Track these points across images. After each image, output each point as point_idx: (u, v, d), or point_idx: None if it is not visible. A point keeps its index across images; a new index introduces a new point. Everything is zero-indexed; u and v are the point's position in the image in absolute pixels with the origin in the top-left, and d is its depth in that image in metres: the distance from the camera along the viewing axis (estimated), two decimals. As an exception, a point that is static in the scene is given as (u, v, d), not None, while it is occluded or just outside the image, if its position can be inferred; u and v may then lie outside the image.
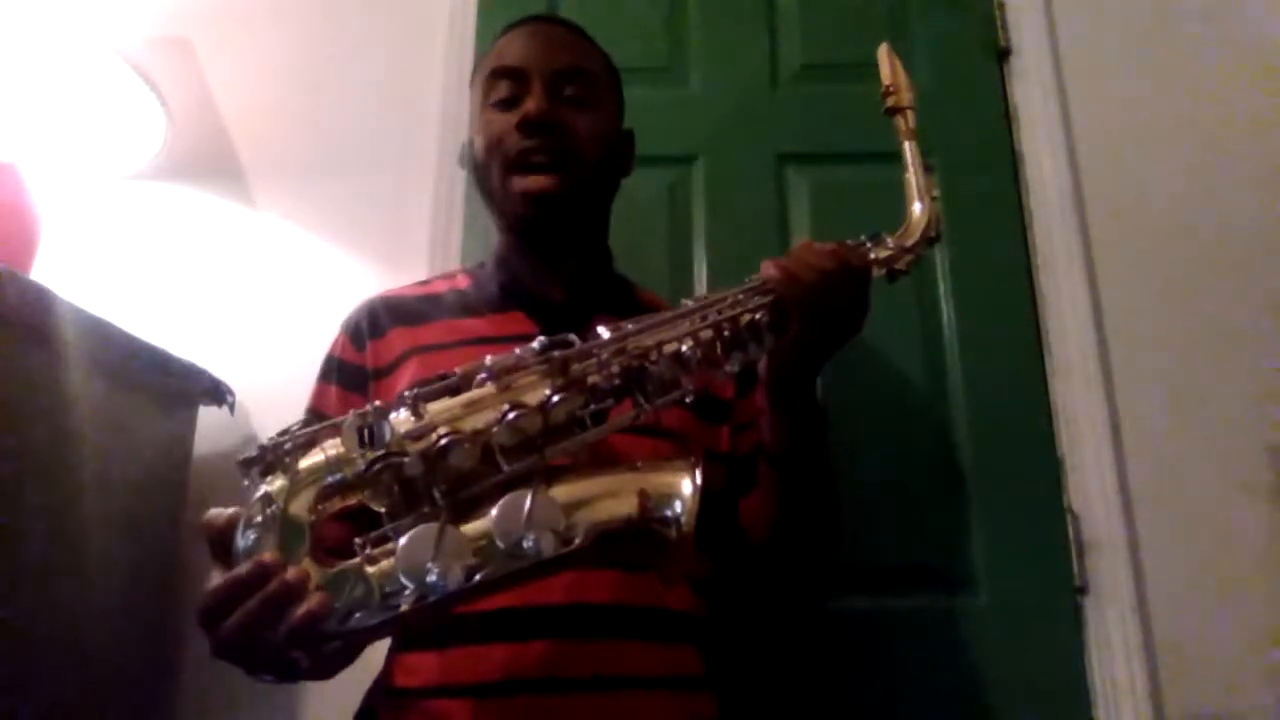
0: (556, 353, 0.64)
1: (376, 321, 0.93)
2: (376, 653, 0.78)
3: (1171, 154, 1.39)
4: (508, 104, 0.93)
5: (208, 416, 1.27)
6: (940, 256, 1.34)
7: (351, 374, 0.91)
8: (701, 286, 1.33)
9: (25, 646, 0.93)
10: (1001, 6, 1.48)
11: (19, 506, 0.93)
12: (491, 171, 0.92)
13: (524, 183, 0.89)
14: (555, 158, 0.89)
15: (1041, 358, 1.31)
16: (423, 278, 1.18)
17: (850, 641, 1.19)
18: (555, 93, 0.92)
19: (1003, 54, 1.46)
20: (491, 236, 1.01)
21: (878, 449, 1.26)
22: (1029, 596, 1.21)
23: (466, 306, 0.94)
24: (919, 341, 1.31)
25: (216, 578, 0.58)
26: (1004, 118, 1.43)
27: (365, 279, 1.37)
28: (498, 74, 0.94)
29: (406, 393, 0.61)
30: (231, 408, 1.26)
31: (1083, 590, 1.21)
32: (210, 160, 1.44)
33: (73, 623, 1.00)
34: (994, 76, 1.45)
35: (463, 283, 0.99)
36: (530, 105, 0.90)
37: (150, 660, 1.16)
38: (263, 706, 1.20)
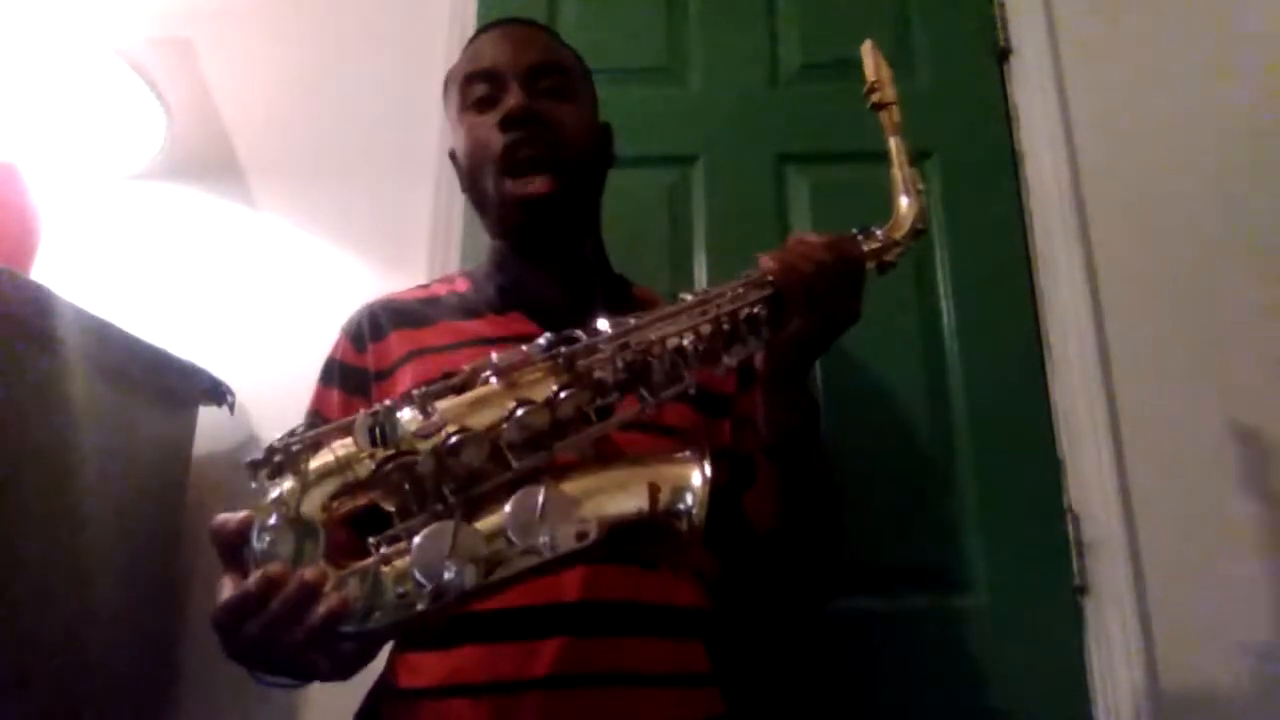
0: (563, 349, 0.64)
1: (377, 324, 0.93)
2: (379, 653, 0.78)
3: (1171, 153, 1.40)
4: (485, 105, 0.93)
5: (208, 416, 1.27)
6: (940, 256, 1.35)
7: (353, 377, 0.91)
8: (701, 286, 1.32)
9: (25, 647, 0.92)
10: (1001, 6, 1.48)
11: (19, 506, 0.92)
12: (482, 177, 0.92)
13: (518, 187, 0.89)
14: (544, 150, 0.89)
15: (1041, 357, 1.31)
16: (422, 278, 1.19)
17: (851, 641, 1.19)
18: (531, 88, 0.92)
19: (1003, 54, 1.46)
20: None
21: (878, 449, 1.26)
22: (1029, 596, 1.21)
23: (467, 309, 0.94)
24: (919, 341, 1.31)
25: (228, 583, 0.57)
26: (1004, 118, 1.43)
27: (365, 279, 1.37)
28: (473, 78, 0.94)
29: (414, 391, 0.61)
30: (231, 408, 1.26)
31: (1083, 590, 1.21)
32: (210, 160, 1.44)
33: (72, 623, 0.99)
34: (994, 76, 1.45)
35: (461, 286, 0.99)
36: (511, 101, 0.90)
37: (150, 660, 1.16)
38: (263, 706, 1.19)
